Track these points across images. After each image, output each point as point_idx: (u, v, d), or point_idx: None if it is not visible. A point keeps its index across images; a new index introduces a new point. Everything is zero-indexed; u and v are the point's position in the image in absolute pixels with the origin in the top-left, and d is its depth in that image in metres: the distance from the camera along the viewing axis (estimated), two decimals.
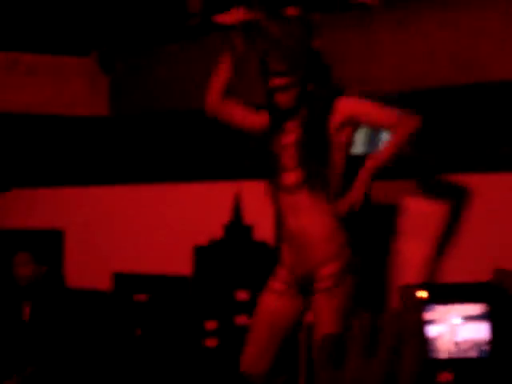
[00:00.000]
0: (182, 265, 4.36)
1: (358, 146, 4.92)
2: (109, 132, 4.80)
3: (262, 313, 3.37)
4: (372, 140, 5.05)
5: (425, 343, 0.67)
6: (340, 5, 3.86)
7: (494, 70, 3.61)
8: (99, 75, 4.64)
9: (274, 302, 3.34)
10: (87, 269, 4.84)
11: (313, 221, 3.27)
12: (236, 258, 4.25)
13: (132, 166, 4.82)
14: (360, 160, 3.62)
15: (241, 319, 4.18)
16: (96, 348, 4.38)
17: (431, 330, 0.69)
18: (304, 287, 3.29)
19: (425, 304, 0.67)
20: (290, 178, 3.31)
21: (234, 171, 4.36)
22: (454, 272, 3.55)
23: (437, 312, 0.70)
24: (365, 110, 3.27)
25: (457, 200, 3.78)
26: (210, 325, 4.19)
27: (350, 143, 3.34)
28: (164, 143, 4.82)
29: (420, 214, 3.91)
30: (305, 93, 3.25)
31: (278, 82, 3.20)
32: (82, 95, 4.62)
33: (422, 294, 0.67)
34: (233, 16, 4.27)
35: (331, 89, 3.34)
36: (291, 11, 4.16)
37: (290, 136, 3.31)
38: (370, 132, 4.46)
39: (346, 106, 3.25)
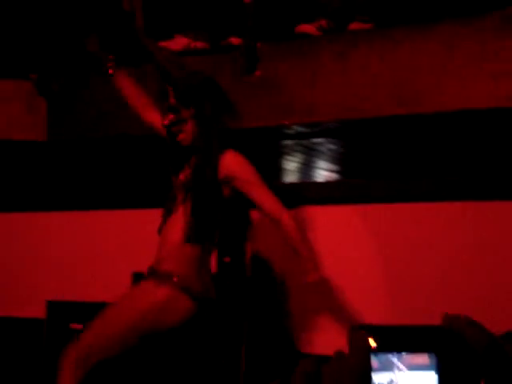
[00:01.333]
0: (121, 292, 4.28)
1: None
2: (46, 157, 4.73)
3: None
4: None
5: None
6: (284, 34, 3.93)
7: (430, 102, 3.71)
8: (37, 99, 4.58)
9: None
10: (20, 297, 4.72)
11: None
12: None
13: (69, 193, 4.75)
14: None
15: None
16: (32, 377, 4.27)
17: (377, 378, 0.70)
18: None
19: (373, 350, 0.67)
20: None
21: None
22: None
23: (383, 359, 0.70)
24: (245, 178, 3.22)
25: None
26: None
27: (228, 200, 3.28)
28: (101, 169, 4.77)
29: None
30: (203, 133, 3.25)
31: (170, 117, 3.24)
32: (20, 120, 4.55)
33: (372, 340, 0.67)
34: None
35: (224, 137, 3.30)
36: (235, 41, 4.22)
37: (183, 175, 3.32)
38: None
39: (227, 164, 3.22)
